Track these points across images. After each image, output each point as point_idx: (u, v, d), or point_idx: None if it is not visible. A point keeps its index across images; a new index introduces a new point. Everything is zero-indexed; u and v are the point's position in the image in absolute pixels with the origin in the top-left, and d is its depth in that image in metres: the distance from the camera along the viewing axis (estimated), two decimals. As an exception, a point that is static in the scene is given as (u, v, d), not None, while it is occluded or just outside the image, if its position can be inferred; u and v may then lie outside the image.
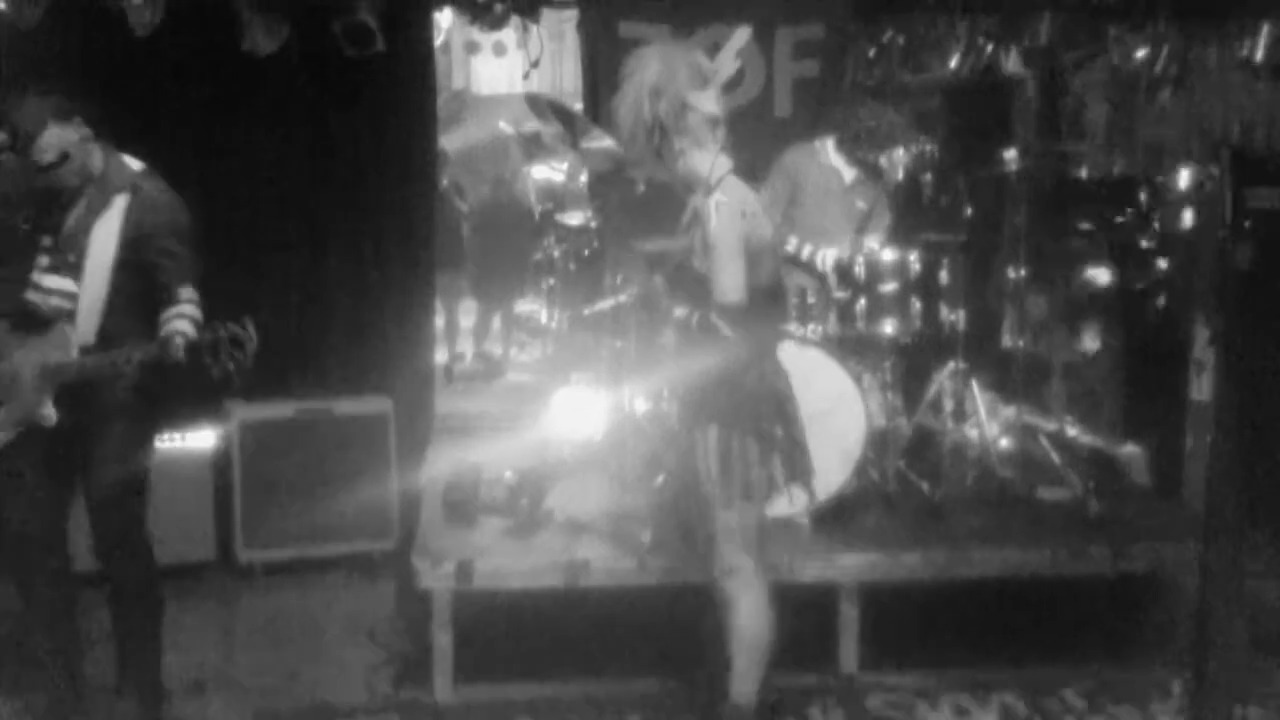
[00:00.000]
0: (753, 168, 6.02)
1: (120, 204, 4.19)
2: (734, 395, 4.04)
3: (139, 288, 4.21)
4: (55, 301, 4.17)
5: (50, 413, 4.14)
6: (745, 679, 4.09)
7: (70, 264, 4.16)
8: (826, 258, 5.89)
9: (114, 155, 4.30)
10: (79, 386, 4.14)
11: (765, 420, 4.06)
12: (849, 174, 6.12)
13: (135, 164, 4.33)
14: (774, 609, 4.14)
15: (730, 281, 3.92)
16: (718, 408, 4.05)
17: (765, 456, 4.06)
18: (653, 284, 4.50)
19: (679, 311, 4.11)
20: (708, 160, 4.03)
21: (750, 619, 4.07)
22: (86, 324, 4.16)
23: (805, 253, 5.99)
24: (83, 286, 4.15)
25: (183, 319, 4.12)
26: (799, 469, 4.17)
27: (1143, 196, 7.35)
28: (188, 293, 4.20)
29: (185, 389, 4.40)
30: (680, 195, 4.23)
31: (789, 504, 4.24)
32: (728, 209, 3.94)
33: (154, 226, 4.20)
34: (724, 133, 4.08)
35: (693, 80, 4.01)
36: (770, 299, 4.21)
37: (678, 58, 4.05)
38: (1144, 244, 7.06)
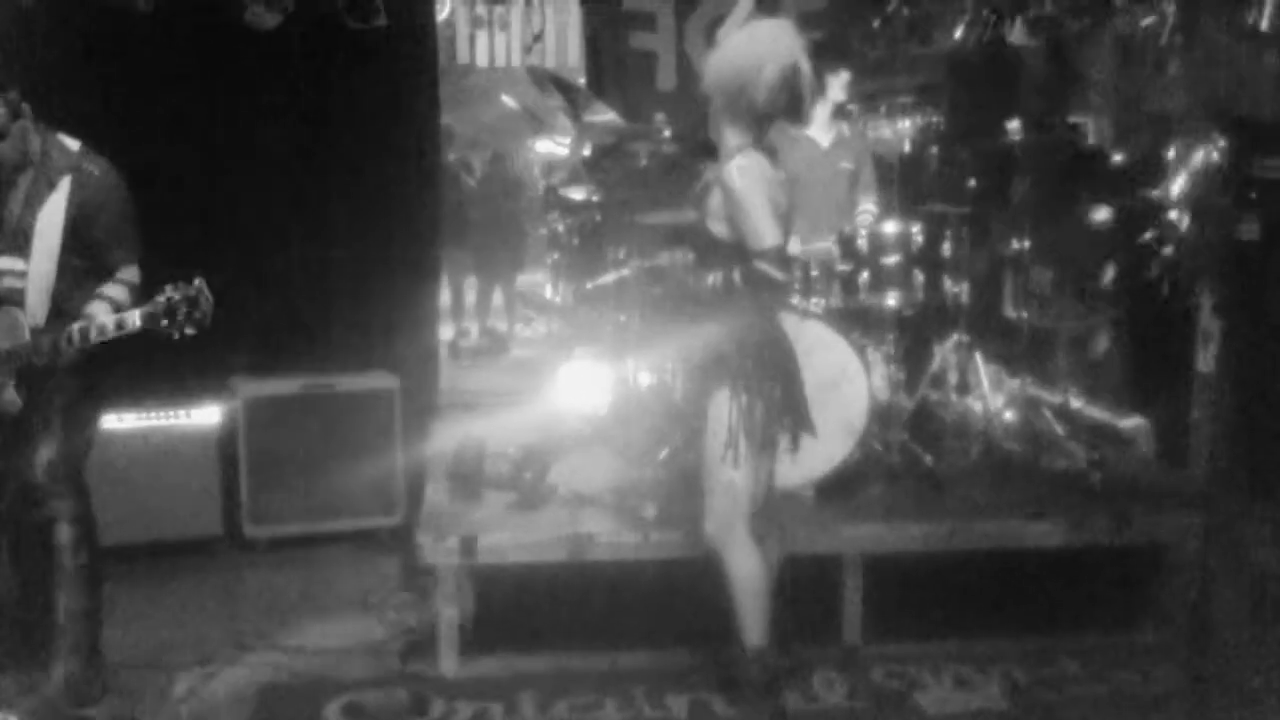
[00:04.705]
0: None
1: (65, 185, 4.19)
2: (741, 355, 4.15)
3: (85, 268, 4.25)
4: (8, 282, 4.19)
5: (14, 399, 4.15)
6: (753, 626, 4.22)
7: (18, 246, 4.17)
8: (814, 259, 5.77)
9: (52, 136, 4.29)
10: (29, 369, 4.16)
11: (769, 378, 4.18)
12: (825, 137, 6.07)
13: (74, 144, 4.32)
14: (777, 572, 4.33)
15: (765, 226, 4.04)
16: (726, 369, 4.16)
17: (770, 413, 4.17)
18: (673, 257, 4.52)
19: (711, 277, 4.16)
20: (738, 134, 4.20)
21: (744, 568, 4.20)
22: (37, 305, 4.17)
23: (793, 248, 5.86)
24: (31, 268, 4.17)
25: (99, 300, 4.17)
26: (799, 422, 4.29)
27: (1148, 167, 7.32)
28: (129, 273, 4.27)
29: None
30: (688, 167, 4.29)
31: (790, 454, 4.33)
32: (750, 171, 4.09)
33: (99, 206, 4.23)
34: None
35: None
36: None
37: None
38: (1150, 215, 7.03)
